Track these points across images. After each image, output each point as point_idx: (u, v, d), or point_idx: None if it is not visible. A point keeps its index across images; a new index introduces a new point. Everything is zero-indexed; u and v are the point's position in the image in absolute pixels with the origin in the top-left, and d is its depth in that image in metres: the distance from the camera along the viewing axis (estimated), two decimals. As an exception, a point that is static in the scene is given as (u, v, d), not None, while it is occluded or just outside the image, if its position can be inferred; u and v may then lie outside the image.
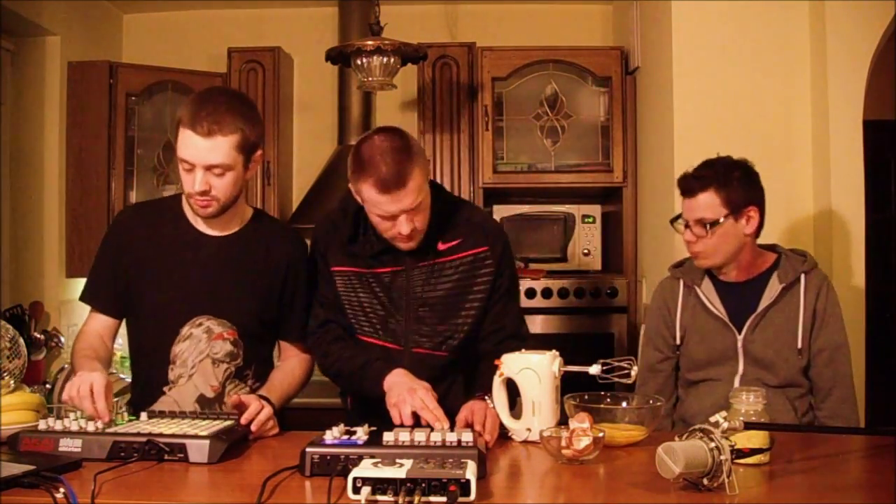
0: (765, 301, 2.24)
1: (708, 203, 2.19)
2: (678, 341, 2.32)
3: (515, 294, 2.21)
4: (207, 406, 2.05)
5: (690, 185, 2.22)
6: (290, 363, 2.18)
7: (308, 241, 2.19)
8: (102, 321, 2.11)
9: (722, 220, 2.18)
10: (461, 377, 2.13)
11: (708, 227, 2.19)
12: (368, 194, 1.91)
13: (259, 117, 2.04)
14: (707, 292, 2.29)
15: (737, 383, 2.21)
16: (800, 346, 2.22)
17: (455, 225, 2.09)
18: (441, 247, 2.06)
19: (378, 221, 1.96)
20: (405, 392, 1.85)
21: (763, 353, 2.22)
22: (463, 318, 2.07)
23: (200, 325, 2.04)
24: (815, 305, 2.23)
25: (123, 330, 2.16)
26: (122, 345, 2.63)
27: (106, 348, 2.08)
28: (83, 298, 2.14)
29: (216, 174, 1.94)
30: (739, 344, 2.23)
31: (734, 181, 2.20)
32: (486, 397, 1.93)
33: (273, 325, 2.15)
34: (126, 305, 2.10)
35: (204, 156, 1.91)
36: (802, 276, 2.24)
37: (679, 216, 2.29)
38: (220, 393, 2.06)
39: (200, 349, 2.04)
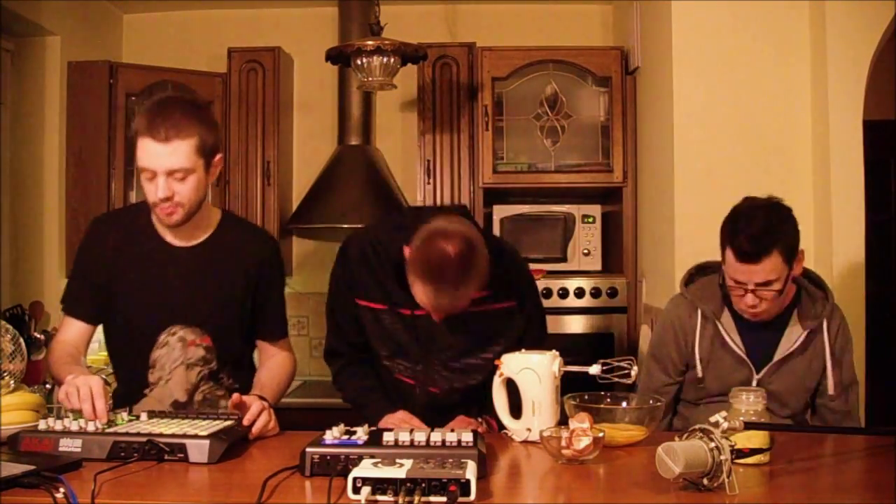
0: (785, 345, 2.18)
1: (774, 265, 2.05)
2: (699, 373, 2.23)
3: (543, 333, 2.20)
4: (180, 410, 2.08)
5: (755, 249, 2.04)
6: (275, 361, 2.21)
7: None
8: (78, 328, 2.14)
9: (785, 276, 2.08)
10: (474, 407, 2.13)
11: (777, 282, 2.07)
12: (419, 294, 1.89)
13: (215, 121, 2.07)
14: (727, 327, 2.21)
15: None
16: (813, 386, 2.21)
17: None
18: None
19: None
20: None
21: (778, 391, 2.18)
22: (484, 366, 2.07)
23: (174, 333, 2.08)
24: (834, 346, 2.20)
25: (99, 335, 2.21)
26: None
27: (80, 356, 2.12)
28: (63, 307, 2.17)
29: (178, 179, 1.95)
30: (755, 382, 2.18)
31: (790, 233, 2.10)
32: (482, 419, 2.03)
33: (250, 327, 2.18)
34: (103, 312, 2.14)
35: (164, 161, 1.93)
36: (825, 323, 2.19)
37: (720, 278, 2.19)
38: (191, 394, 2.09)
39: (175, 356, 2.08)
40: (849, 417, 2.23)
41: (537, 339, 2.11)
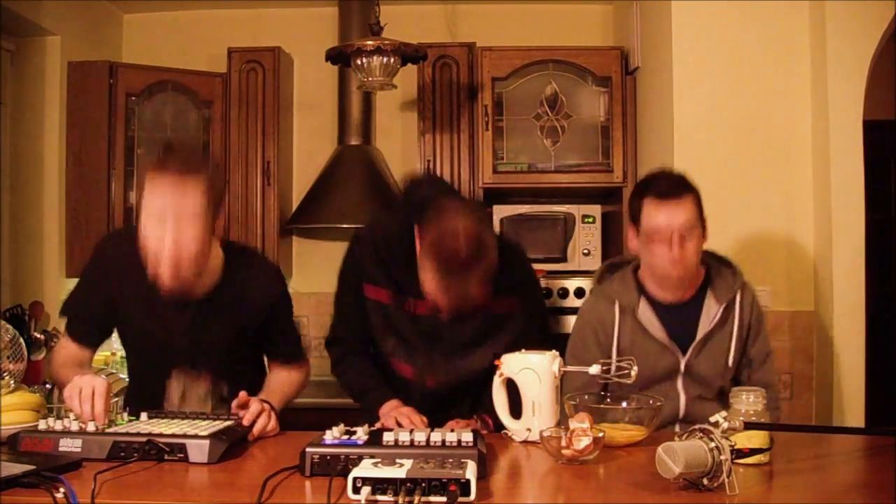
0: (705, 323, 2.19)
1: (691, 210, 2.09)
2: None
3: (544, 332, 2.23)
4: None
5: (675, 187, 2.11)
6: (285, 370, 2.21)
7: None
8: (76, 351, 2.11)
9: (700, 232, 2.12)
10: (469, 400, 2.18)
11: (697, 231, 2.10)
12: (428, 281, 1.94)
13: (221, 167, 2.10)
14: (646, 316, 2.20)
15: (682, 402, 2.18)
16: (731, 361, 2.21)
17: None
18: None
19: None
20: (388, 423, 2.00)
21: (705, 372, 2.20)
22: (482, 362, 2.10)
23: (182, 372, 2.07)
24: (750, 320, 2.24)
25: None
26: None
27: (84, 363, 2.11)
28: (62, 312, 2.14)
29: (187, 221, 1.85)
30: (682, 365, 2.19)
31: (698, 193, 2.14)
32: (477, 417, 2.05)
33: (257, 348, 2.21)
34: (110, 329, 2.15)
35: (176, 200, 1.84)
36: (738, 295, 2.21)
37: (635, 226, 2.17)
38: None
39: (182, 391, 2.08)
40: (771, 386, 2.24)
41: (537, 339, 2.09)
